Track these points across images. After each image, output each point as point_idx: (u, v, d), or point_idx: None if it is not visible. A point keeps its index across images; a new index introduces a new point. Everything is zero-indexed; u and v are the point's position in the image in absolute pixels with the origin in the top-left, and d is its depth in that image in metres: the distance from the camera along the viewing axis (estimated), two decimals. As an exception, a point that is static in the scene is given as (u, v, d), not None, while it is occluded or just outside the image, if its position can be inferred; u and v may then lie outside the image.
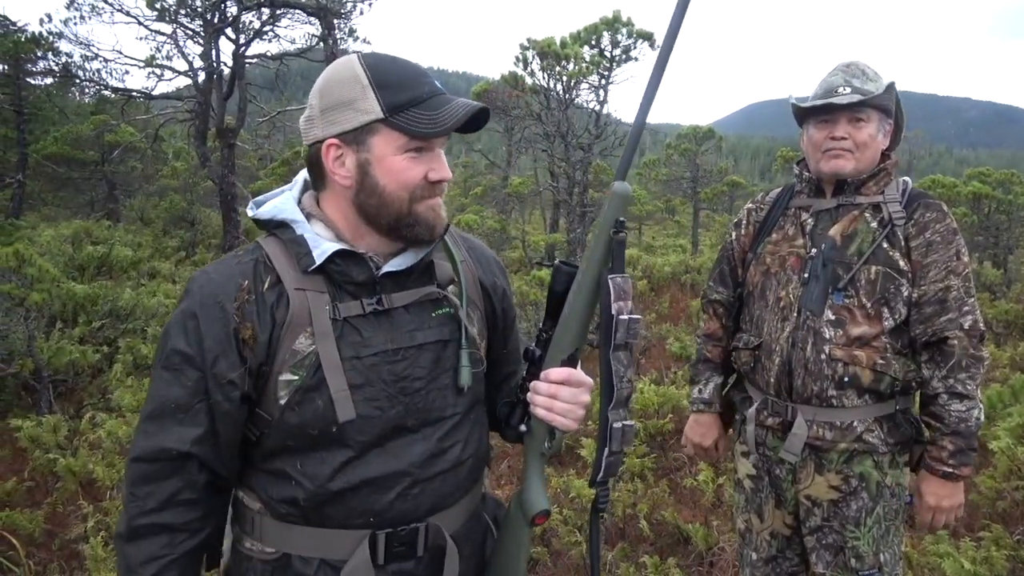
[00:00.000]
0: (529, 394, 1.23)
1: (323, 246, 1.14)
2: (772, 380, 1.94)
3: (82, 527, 3.31)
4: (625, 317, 1.13)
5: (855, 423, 1.86)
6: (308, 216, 1.19)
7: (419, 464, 1.18)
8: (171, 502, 1.12)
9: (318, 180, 1.19)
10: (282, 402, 1.12)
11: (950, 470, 1.81)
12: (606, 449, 1.17)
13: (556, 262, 1.24)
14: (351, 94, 1.11)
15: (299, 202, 1.22)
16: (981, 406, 1.82)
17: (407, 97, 1.10)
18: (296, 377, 1.12)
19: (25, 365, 5.04)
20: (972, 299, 1.85)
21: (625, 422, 1.17)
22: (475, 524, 1.32)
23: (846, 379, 1.84)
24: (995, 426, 4.51)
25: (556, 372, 1.19)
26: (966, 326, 1.82)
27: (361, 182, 1.13)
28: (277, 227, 1.18)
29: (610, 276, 1.13)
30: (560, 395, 1.19)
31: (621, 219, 1.14)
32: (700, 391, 2.18)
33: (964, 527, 3.64)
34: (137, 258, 9.70)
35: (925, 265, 1.84)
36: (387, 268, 1.17)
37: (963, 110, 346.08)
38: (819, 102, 1.90)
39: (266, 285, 1.13)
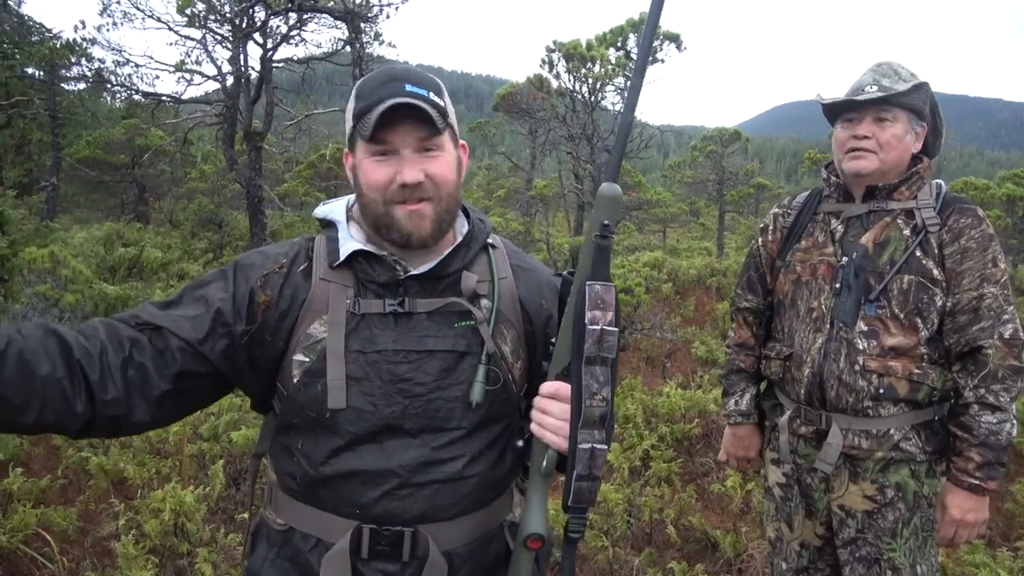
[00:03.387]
0: (533, 411, 1.18)
1: (347, 245, 1.22)
2: (803, 391, 1.89)
3: (114, 525, 3.35)
4: (596, 327, 1.07)
5: (892, 431, 1.81)
6: (349, 219, 1.28)
7: (410, 468, 1.17)
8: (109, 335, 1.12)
9: None
10: (295, 380, 1.18)
11: (976, 482, 1.74)
12: (574, 472, 1.10)
13: (565, 272, 1.20)
14: (349, 106, 1.22)
15: (352, 206, 1.31)
16: (1015, 420, 1.74)
17: (364, 105, 1.16)
18: (307, 359, 1.18)
19: (59, 365, 5.13)
20: (1011, 307, 1.77)
21: (596, 444, 1.09)
22: (483, 548, 1.25)
23: (881, 391, 1.79)
24: (1032, 434, 4.41)
25: (545, 386, 1.16)
26: (1006, 335, 1.75)
27: (355, 183, 1.22)
28: (327, 226, 1.29)
29: (588, 283, 1.09)
30: (548, 409, 1.14)
31: (606, 222, 1.09)
32: (736, 403, 2.13)
33: (1000, 536, 3.56)
34: (166, 260, 9.85)
35: (959, 273, 1.78)
36: (411, 272, 1.20)
37: (994, 111, 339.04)
38: (841, 99, 1.85)
39: (300, 268, 1.22)
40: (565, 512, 1.14)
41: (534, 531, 1.17)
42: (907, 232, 1.83)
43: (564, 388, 1.14)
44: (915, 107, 1.84)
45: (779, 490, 2.05)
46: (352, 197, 1.31)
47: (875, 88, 1.81)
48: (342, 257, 1.21)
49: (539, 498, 1.19)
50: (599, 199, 1.09)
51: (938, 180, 1.92)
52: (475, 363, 1.20)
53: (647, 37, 1.11)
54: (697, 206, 23.74)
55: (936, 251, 1.80)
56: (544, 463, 1.18)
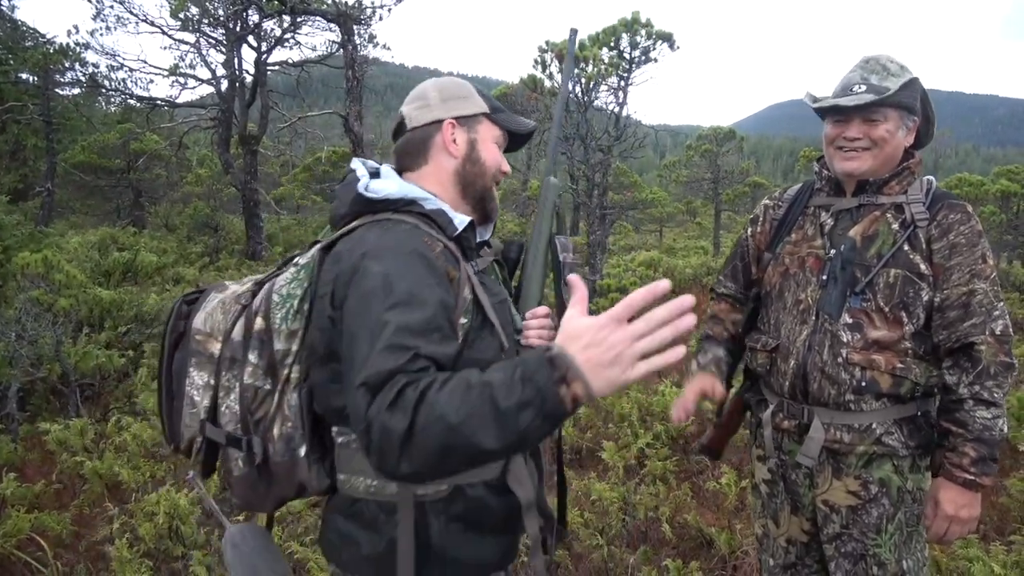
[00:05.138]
0: (524, 332, 1.51)
1: (459, 217, 1.39)
2: (787, 383, 1.89)
3: (108, 529, 3.35)
4: (570, 260, 1.54)
5: (874, 425, 1.81)
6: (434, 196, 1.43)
7: None
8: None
9: (419, 157, 1.45)
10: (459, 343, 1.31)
11: (971, 478, 1.72)
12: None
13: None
14: (465, 92, 1.48)
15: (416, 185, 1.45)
16: (1005, 416, 1.75)
17: (495, 105, 1.51)
18: (466, 320, 1.30)
19: (53, 370, 5.13)
20: (1001, 303, 1.77)
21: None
22: None
23: (863, 384, 1.79)
24: (1026, 428, 4.42)
25: (542, 310, 1.53)
26: (997, 331, 1.75)
27: (469, 154, 1.45)
28: (406, 205, 1.36)
29: (557, 236, 1.57)
30: (548, 325, 1.52)
31: (558, 199, 1.60)
32: (699, 361, 2.10)
33: (995, 531, 3.56)
34: (161, 264, 9.83)
35: (948, 268, 1.77)
36: (483, 237, 1.50)
37: (991, 108, 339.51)
38: (828, 103, 1.84)
39: (440, 244, 1.32)
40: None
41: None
42: (896, 226, 1.82)
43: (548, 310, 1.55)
44: (905, 104, 1.82)
45: (765, 487, 2.05)
46: (399, 178, 1.43)
47: (863, 88, 1.80)
48: (460, 228, 1.36)
49: None
50: (549, 188, 1.61)
51: (929, 176, 1.90)
52: (507, 301, 1.50)
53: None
54: (694, 205, 23.77)
55: (924, 246, 1.79)
56: None
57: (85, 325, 6.13)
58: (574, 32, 1.79)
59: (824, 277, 1.86)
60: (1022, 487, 3.70)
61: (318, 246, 1.37)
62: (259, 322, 1.34)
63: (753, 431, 2.10)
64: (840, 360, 1.81)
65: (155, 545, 3.17)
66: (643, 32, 8.10)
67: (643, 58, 8.18)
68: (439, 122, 1.43)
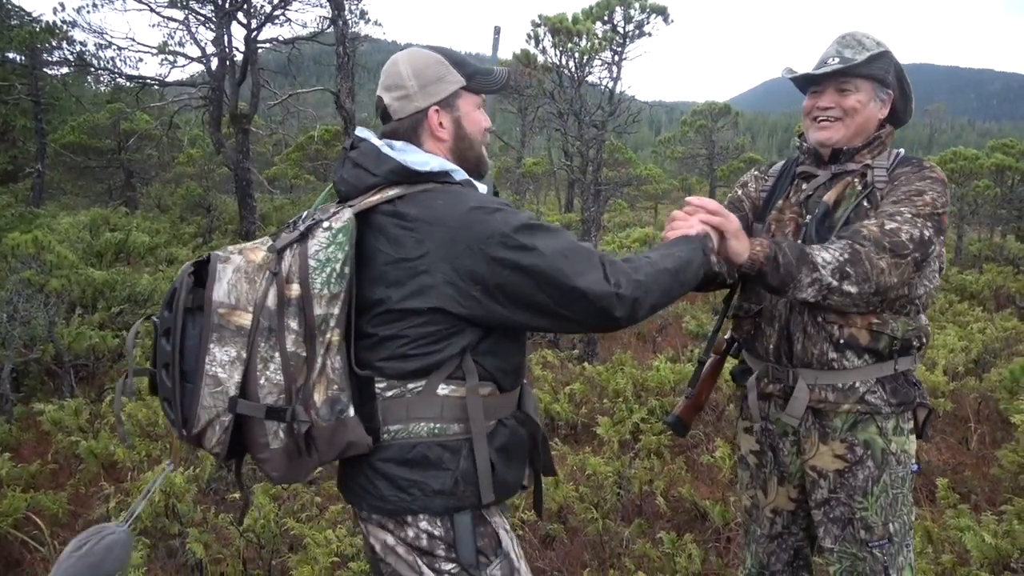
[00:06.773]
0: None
1: (480, 185, 1.54)
2: (772, 347, 1.95)
3: (104, 507, 3.36)
4: None
5: (857, 384, 1.85)
6: None
7: None
8: None
9: (412, 142, 1.51)
10: None
11: None
12: None
13: None
14: (440, 72, 1.51)
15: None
16: None
17: (471, 70, 1.56)
18: None
19: (47, 350, 5.12)
20: (918, 230, 1.73)
21: None
22: None
23: (842, 340, 1.84)
24: (1018, 399, 4.46)
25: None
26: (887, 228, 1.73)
27: (457, 133, 1.54)
28: (443, 176, 1.47)
29: None
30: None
31: None
32: None
33: (986, 501, 3.60)
34: (154, 244, 9.78)
35: (884, 202, 1.82)
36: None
37: (986, 82, 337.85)
38: (800, 74, 1.92)
39: None
40: None
41: None
42: (859, 188, 1.90)
43: None
44: (877, 76, 1.88)
45: (753, 457, 2.09)
46: (434, 154, 1.50)
47: (837, 60, 1.87)
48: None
49: None
50: None
51: (900, 149, 1.97)
52: None
53: None
54: (689, 182, 23.70)
55: (879, 201, 1.85)
56: None
57: (78, 306, 6.11)
58: (497, 29, 2.02)
59: (800, 241, 1.91)
60: (1013, 458, 3.73)
61: (351, 210, 1.39)
62: (295, 288, 1.34)
63: (740, 403, 2.13)
64: (820, 319, 1.86)
65: (152, 523, 3.18)
66: (637, 5, 7.99)
67: (637, 32, 8.08)
68: (423, 111, 1.50)
